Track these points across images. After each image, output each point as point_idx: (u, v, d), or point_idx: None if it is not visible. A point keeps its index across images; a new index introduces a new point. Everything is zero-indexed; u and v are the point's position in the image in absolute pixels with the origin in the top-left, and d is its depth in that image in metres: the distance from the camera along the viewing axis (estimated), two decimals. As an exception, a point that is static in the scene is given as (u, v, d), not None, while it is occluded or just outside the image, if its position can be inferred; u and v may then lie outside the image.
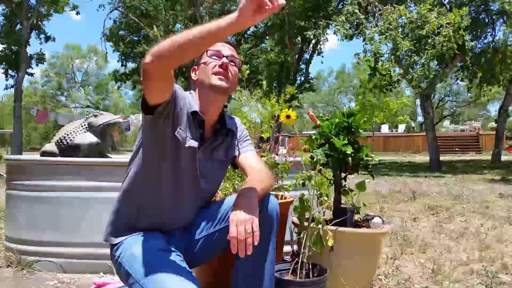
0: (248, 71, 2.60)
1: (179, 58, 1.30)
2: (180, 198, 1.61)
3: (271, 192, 1.73)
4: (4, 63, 19.67)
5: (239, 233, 1.32)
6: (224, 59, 1.63)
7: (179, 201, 1.61)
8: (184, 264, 1.45)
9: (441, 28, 11.13)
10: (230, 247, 1.34)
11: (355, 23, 13.12)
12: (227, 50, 1.67)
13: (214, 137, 1.68)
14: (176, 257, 1.47)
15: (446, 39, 10.89)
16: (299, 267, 1.79)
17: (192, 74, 1.73)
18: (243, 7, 1.15)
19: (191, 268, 1.47)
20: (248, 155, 1.75)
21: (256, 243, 1.34)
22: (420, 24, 11.47)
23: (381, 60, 12.57)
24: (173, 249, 1.51)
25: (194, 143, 1.57)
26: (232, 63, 1.67)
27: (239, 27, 1.19)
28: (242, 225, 1.33)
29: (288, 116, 1.93)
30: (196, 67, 1.72)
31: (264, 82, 2.87)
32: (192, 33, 1.22)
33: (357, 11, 12.81)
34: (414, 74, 11.89)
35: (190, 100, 1.63)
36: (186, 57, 1.30)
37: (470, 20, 11.51)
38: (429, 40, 11.25)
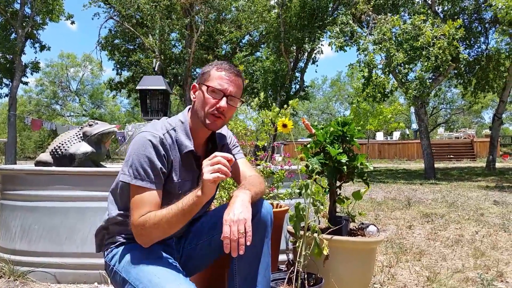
0: (247, 81, 2.62)
1: (167, 234, 1.49)
2: None
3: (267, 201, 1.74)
4: (-2, 72, 19.65)
5: (232, 233, 1.35)
6: (223, 103, 1.56)
7: None
8: (181, 270, 1.47)
9: (435, 40, 11.21)
10: (223, 247, 1.36)
11: (349, 32, 13.22)
12: (232, 86, 1.59)
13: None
14: (173, 263, 1.49)
15: (441, 51, 10.97)
16: (294, 277, 1.79)
17: (191, 92, 1.66)
18: (205, 184, 1.37)
19: (187, 277, 1.47)
20: (239, 163, 1.75)
21: (248, 243, 1.36)
22: (414, 35, 11.57)
23: (375, 72, 12.67)
24: (168, 256, 1.53)
25: (189, 185, 1.59)
26: (231, 102, 1.60)
27: (207, 196, 1.39)
28: (235, 225, 1.36)
29: (284, 125, 1.94)
30: (196, 85, 1.65)
31: (262, 94, 2.89)
32: (172, 219, 1.41)
33: (351, 21, 12.91)
34: (408, 87, 11.95)
35: (181, 136, 1.58)
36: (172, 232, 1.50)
37: (464, 31, 11.62)
38: (424, 52, 11.34)
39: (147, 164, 1.47)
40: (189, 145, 1.57)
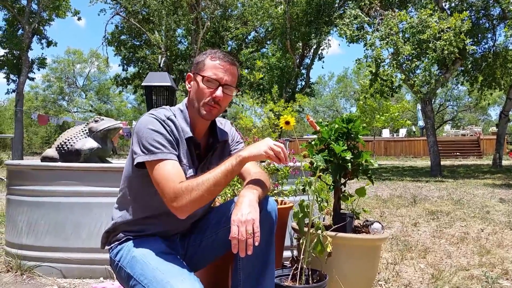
0: (261, 75, 2.61)
1: (206, 201, 1.48)
2: None
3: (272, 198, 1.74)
4: (5, 67, 19.72)
5: (240, 234, 1.36)
6: (219, 92, 1.56)
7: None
8: (185, 265, 1.47)
9: (442, 33, 11.15)
10: (231, 247, 1.37)
11: (357, 27, 13.15)
12: (228, 75, 1.58)
13: (208, 153, 1.68)
14: (177, 258, 1.49)
15: (447, 43, 10.91)
16: (298, 273, 1.79)
17: (186, 82, 1.67)
18: (260, 148, 1.51)
19: (192, 272, 1.48)
20: None
21: (256, 244, 1.37)
22: (421, 29, 11.51)
23: (383, 66, 12.60)
24: (173, 252, 1.54)
25: (192, 173, 1.59)
26: (227, 91, 1.60)
27: (251, 156, 1.50)
28: (243, 225, 1.36)
29: (287, 122, 1.93)
30: (191, 74, 1.65)
31: (275, 87, 2.88)
32: (217, 180, 1.43)
33: (360, 13, 12.84)
34: (415, 79, 11.90)
35: (181, 122, 1.59)
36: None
37: (470, 24, 11.52)
38: (430, 44, 11.27)
39: (158, 136, 1.49)
40: (188, 131, 1.58)
